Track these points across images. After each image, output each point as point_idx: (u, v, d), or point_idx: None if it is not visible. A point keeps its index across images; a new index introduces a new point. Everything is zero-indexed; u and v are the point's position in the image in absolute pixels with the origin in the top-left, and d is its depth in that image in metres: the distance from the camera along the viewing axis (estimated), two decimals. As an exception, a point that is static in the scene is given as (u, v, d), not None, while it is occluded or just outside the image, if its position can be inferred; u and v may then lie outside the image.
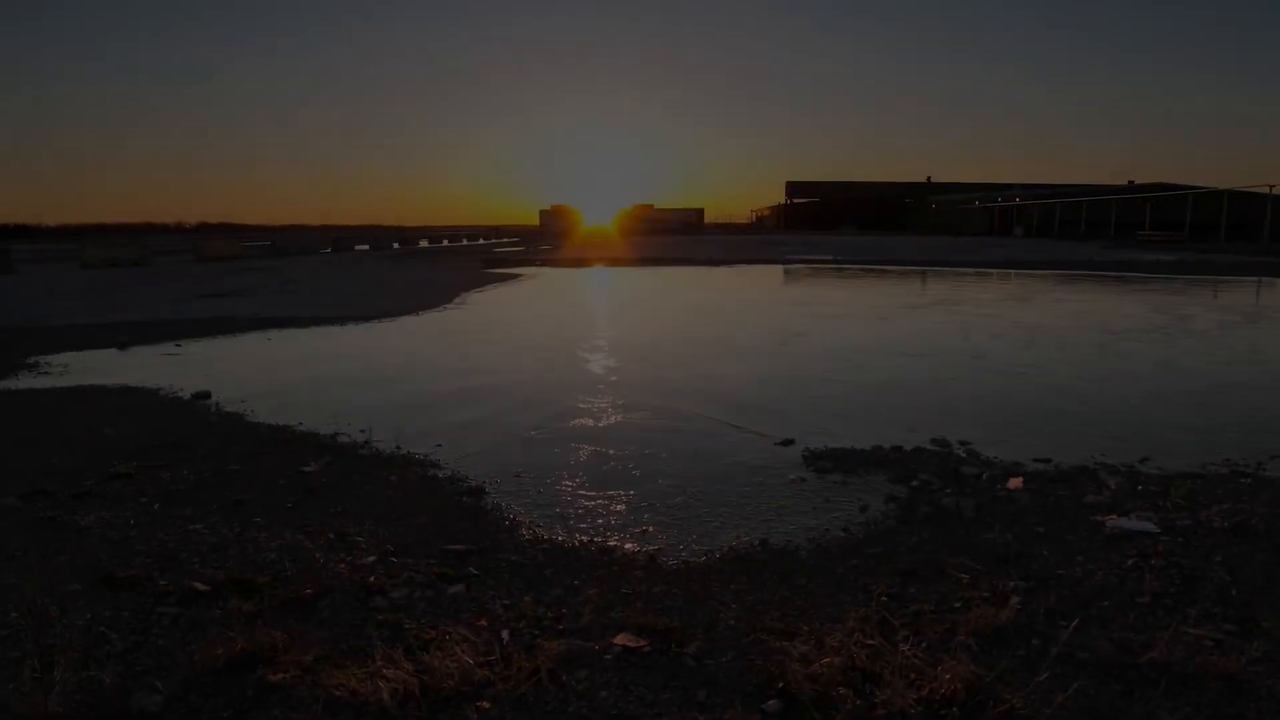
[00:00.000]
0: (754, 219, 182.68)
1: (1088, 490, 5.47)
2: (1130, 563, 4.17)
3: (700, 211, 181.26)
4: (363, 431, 7.23)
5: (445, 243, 74.53)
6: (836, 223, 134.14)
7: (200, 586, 3.96)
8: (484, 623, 3.62)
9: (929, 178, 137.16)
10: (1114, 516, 4.89)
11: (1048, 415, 7.85)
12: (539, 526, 4.97)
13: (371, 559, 4.37)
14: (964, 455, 6.40)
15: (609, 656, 3.29)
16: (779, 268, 34.39)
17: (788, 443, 6.79)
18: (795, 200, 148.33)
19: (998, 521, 4.87)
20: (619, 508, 5.30)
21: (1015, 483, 5.57)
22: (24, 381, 9.64)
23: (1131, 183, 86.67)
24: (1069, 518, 4.94)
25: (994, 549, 4.36)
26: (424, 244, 69.89)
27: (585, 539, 4.74)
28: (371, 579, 4.07)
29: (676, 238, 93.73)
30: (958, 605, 3.72)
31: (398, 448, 6.74)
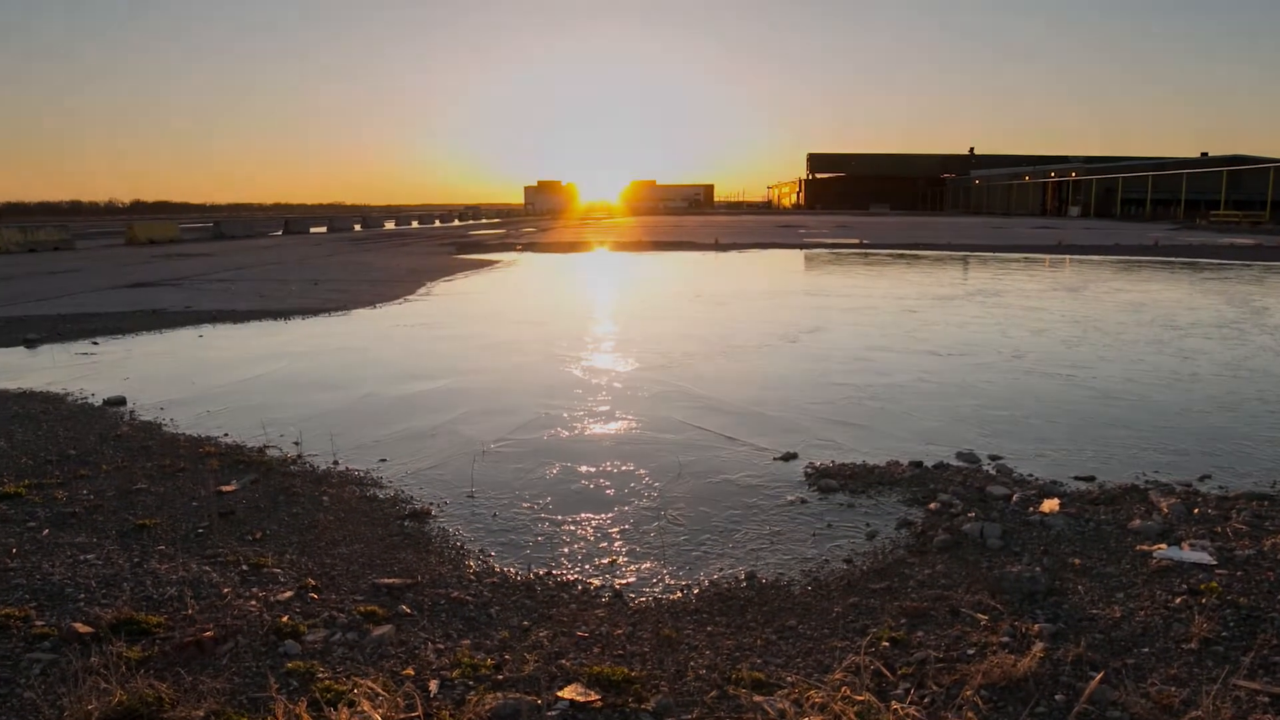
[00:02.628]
0: (771, 197, 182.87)
1: (1135, 514, 5.38)
2: (1178, 601, 4.08)
3: (709, 188, 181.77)
4: (296, 444, 7.16)
5: (414, 224, 74.54)
6: (865, 201, 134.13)
7: (82, 628, 3.86)
8: (410, 671, 3.53)
9: (972, 149, 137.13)
10: (1163, 546, 4.79)
11: (1095, 425, 7.76)
12: (489, 556, 4.88)
13: (288, 595, 4.28)
14: (993, 472, 6.31)
15: (553, 713, 3.20)
16: (796, 253, 34.30)
17: (789, 457, 6.70)
18: (818, 175, 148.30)
19: (1026, 551, 4.78)
20: (586, 534, 5.21)
21: (1050, 505, 5.48)
22: (-90, 385, 9.55)
23: (1205, 155, 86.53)
24: (1111, 547, 4.85)
25: (1020, 584, 4.26)
26: (390, 225, 69.88)
27: (542, 571, 4.65)
28: (285, 619, 3.98)
29: (681, 218, 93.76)
30: (971, 652, 3.62)
31: (335, 463, 6.66)
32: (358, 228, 64.00)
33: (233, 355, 11.56)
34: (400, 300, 17.74)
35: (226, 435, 7.45)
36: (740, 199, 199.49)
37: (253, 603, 4.20)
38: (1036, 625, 3.84)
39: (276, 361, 11.02)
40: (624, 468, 6.53)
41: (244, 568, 4.64)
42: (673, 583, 4.51)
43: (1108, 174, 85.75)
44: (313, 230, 58.37)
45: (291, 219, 61.34)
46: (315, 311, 15.79)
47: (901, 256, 31.45)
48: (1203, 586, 4.20)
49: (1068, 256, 31.17)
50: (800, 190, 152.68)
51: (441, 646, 3.79)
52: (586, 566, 4.74)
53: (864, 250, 35.30)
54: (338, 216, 70.25)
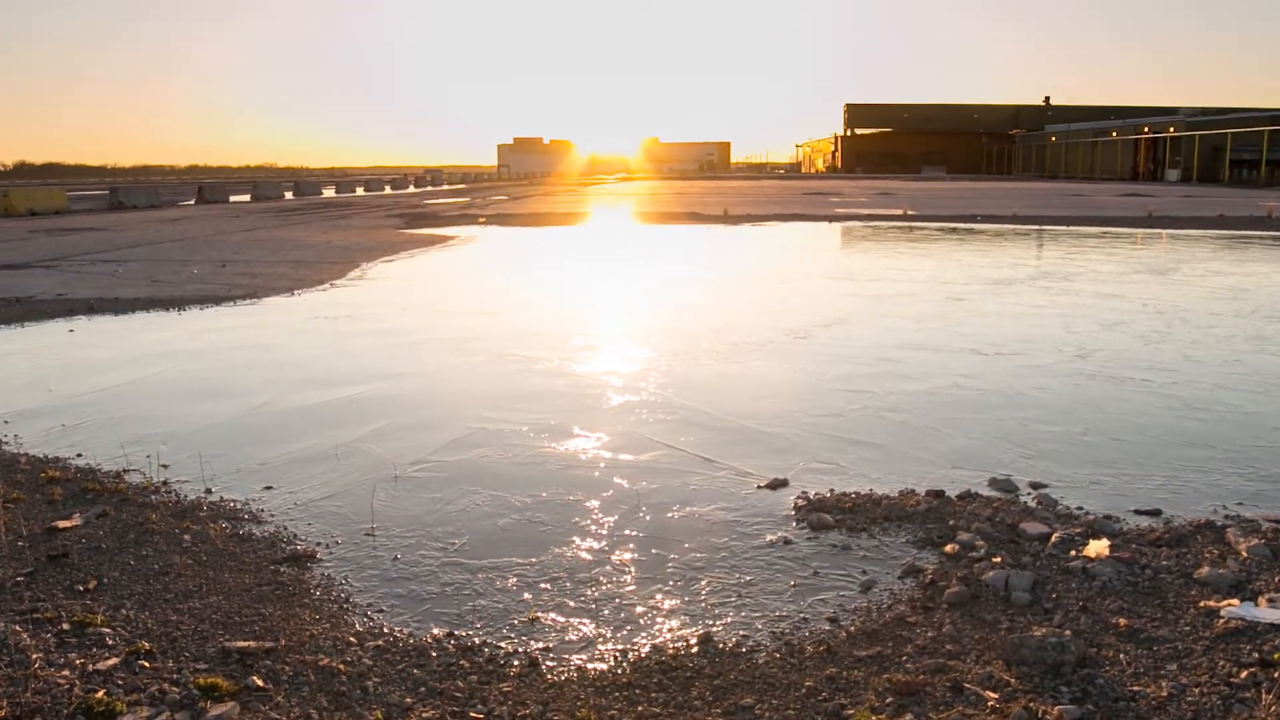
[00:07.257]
0: (800, 158, 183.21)
1: (1205, 559, 5.23)
2: (1244, 675, 3.93)
3: (724, 147, 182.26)
4: (164, 467, 7.05)
5: (359, 190, 74.54)
6: (915, 162, 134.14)
7: None
8: (247, 768, 3.38)
9: (1047, 99, 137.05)
10: (1234, 602, 4.65)
11: (1170, 443, 7.62)
12: (380, 612, 4.75)
13: (112, 662, 4.15)
14: (1033, 504, 6.17)
15: (418, 824, 3.05)
16: (823, 226, 34.22)
17: (777, 485, 6.57)
18: (857, 131, 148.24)
19: (1060, 609, 4.64)
20: (506, 585, 5.07)
21: (1098, 548, 5.33)
22: None
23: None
24: (1168, 602, 4.71)
25: (1044, 652, 4.12)
26: (329, 193, 69.87)
27: (441, 632, 4.51)
28: (100, 694, 3.85)
29: (690, 182, 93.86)
30: (969, 742, 3.48)
31: (206, 491, 6.54)
32: (289, 195, 63.99)
33: (106, 355, 11.45)
34: (325, 286, 17.63)
35: (80, 456, 7.34)
36: (763, 161, 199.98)
37: (65, 673, 4.05)
38: (1057, 708, 3.69)
39: (159, 363, 10.90)
40: (568, 498, 6.39)
41: (65, 627, 4.51)
42: (605, 649, 4.37)
43: (1214, 129, 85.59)
44: (234, 199, 58.37)
45: (208, 185, 61.42)
46: (217, 300, 15.67)
47: (954, 231, 31.33)
48: (1277, 656, 4.06)
49: (1160, 231, 31.05)
50: (836, 149, 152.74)
51: (294, 732, 3.64)
52: (500, 626, 4.60)
53: (908, 223, 35.19)
54: (265, 182, 70.21)
